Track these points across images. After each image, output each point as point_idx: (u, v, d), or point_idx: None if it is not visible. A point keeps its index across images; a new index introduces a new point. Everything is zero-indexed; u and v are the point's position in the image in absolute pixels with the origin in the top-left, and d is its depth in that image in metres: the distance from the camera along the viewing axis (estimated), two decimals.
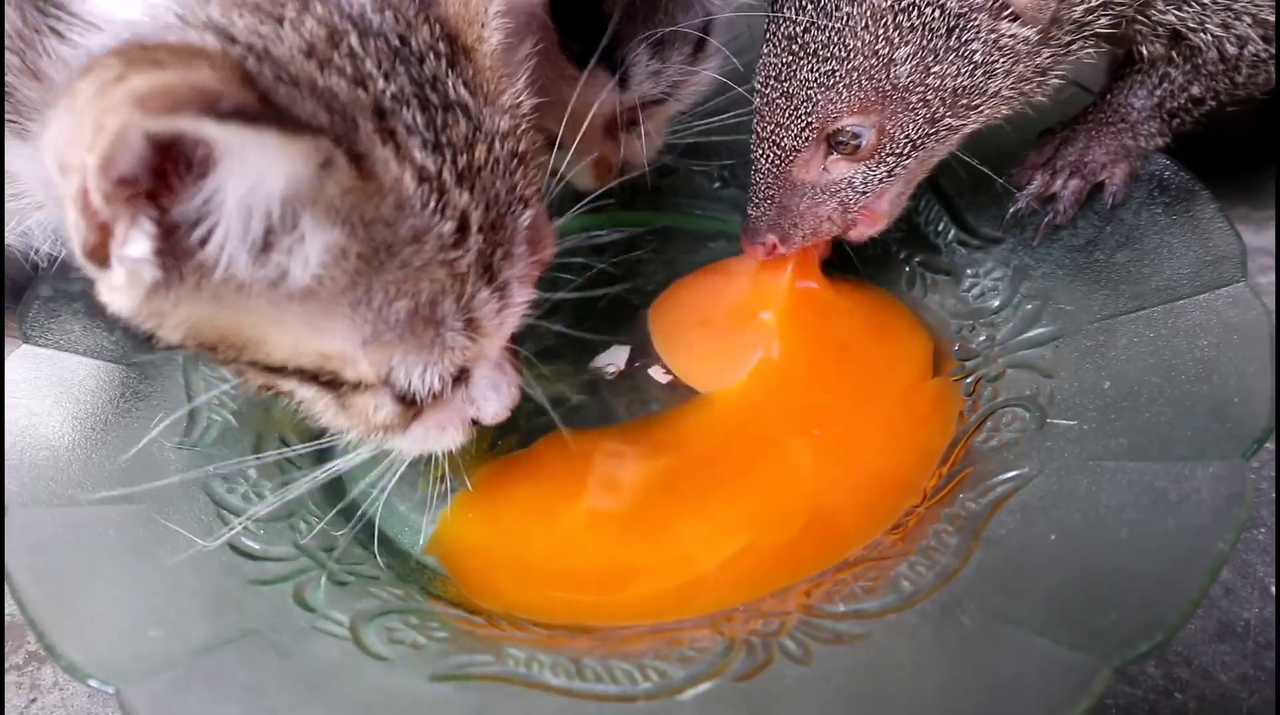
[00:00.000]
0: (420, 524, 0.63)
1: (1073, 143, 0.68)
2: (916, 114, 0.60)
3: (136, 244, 0.43)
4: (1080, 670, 0.44)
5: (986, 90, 0.59)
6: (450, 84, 0.50)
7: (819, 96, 0.60)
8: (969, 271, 0.72)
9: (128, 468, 0.60)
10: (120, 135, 0.38)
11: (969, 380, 0.65)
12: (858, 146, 0.61)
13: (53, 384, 0.63)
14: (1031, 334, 0.65)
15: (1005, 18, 0.58)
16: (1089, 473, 0.55)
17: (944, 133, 0.61)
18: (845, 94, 0.59)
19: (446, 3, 0.52)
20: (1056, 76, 0.63)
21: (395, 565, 0.60)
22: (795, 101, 0.60)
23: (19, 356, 0.63)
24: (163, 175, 0.42)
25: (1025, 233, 0.70)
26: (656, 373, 0.71)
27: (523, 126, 0.53)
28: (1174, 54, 0.65)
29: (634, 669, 0.51)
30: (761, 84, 0.62)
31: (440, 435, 0.57)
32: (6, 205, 0.56)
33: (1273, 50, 0.63)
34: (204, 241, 0.44)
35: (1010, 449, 0.59)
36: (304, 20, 0.47)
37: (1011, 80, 0.60)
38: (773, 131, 0.62)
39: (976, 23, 0.57)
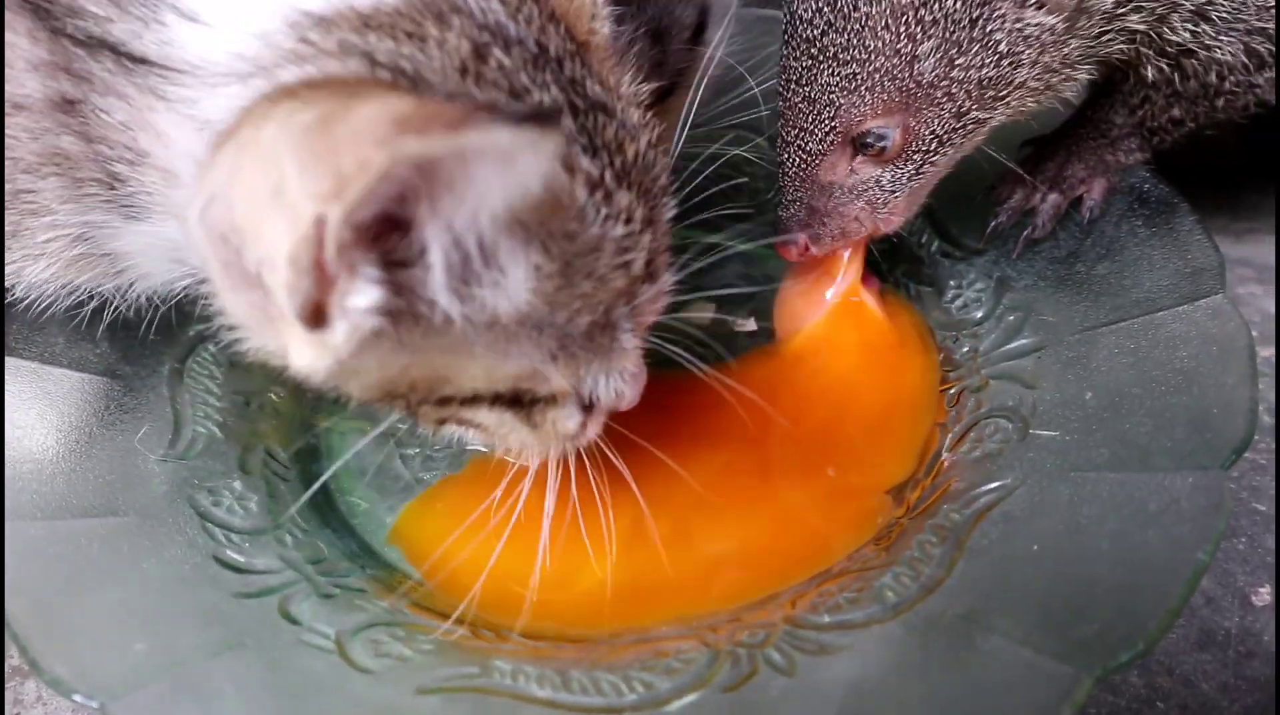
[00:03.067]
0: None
1: (1052, 157, 0.69)
2: (942, 109, 0.59)
3: (364, 294, 0.40)
4: (1062, 680, 0.44)
5: (1013, 81, 0.59)
6: (589, 85, 0.48)
7: (841, 100, 0.59)
8: (952, 283, 0.72)
9: (112, 481, 0.60)
10: (387, 171, 0.35)
11: (952, 392, 0.66)
12: (884, 148, 0.60)
13: (37, 397, 0.63)
14: (1014, 345, 0.66)
15: (1030, 6, 0.57)
16: (1071, 483, 0.55)
17: (971, 126, 0.60)
18: (868, 97, 0.58)
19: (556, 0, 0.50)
20: (1085, 72, 0.63)
21: (382, 577, 0.60)
22: (818, 106, 0.60)
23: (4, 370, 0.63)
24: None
25: (1008, 245, 0.71)
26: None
27: (649, 115, 0.53)
28: (1161, 77, 0.65)
29: (620, 681, 0.51)
30: (783, 88, 0.62)
31: (594, 430, 0.56)
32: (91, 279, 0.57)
33: (1252, 80, 0.64)
34: (422, 284, 0.42)
35: (993, 460, 0.59)
36: (447, 37, 0.45)
37: (1038, 71, 0.59)
38: (797, 135, 0.61)
39: (1001, 11, 0.56)
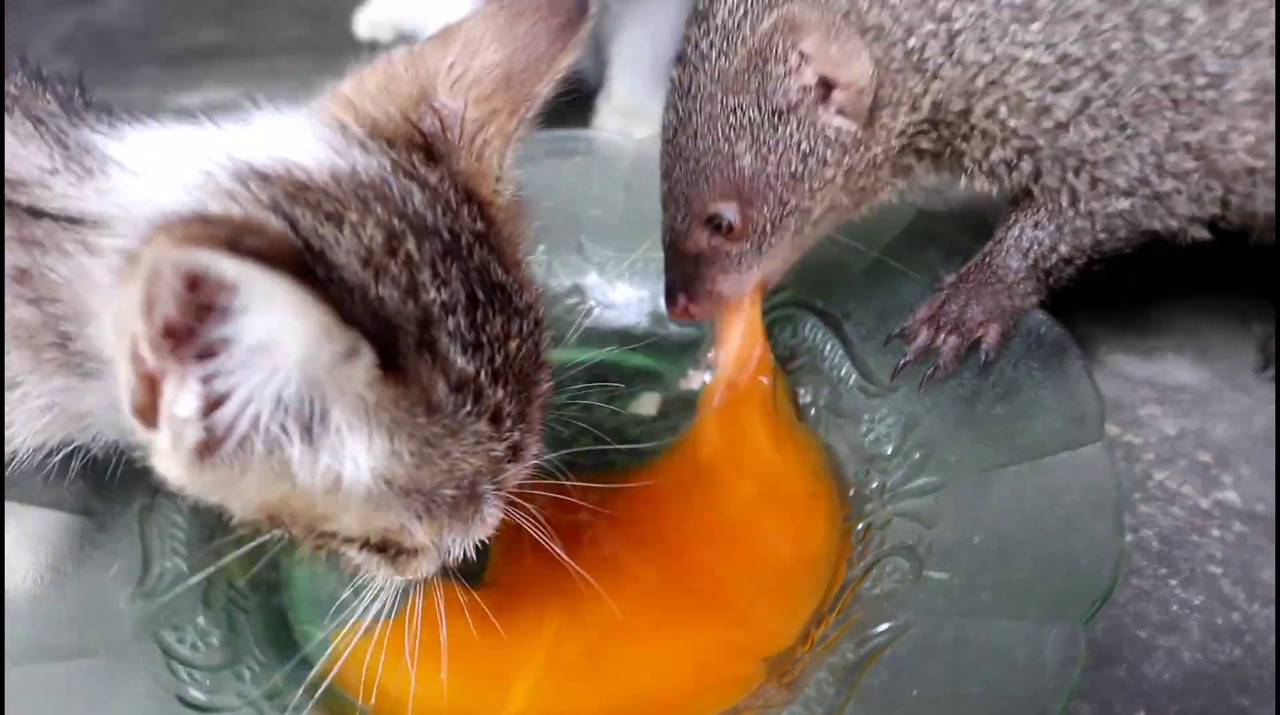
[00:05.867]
0: None
1: (955, 299, 0.75)
2: (767, 198, 0.70)
3: (185, 403, 0.45)
4: None
5: (823, 177, 0.70)
6: (492, 269, 0.54)
7: (689, 190, 0.71)
8: (866, 416, 0.78)
9: (84, 620, 0.65)
10: (154, 270, 0.39)
11: (860, 526, 0.71)
12: (730, 228, 0.72)
13: (16, 539, 0.68)
14: (917, 483, 0.71)
15: (827, 111, 0.68)
16: (955, 627, 0.60)
17: (798, 214, 0.71)
18: (707, 187, 0.71)
19: (457, 160, 0.57)
20: (892, 179, 0.73)
21: (335, 706, 0.65)
22: (676, 193, 0.73)
23: None
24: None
25: (917, 381, 0.76)
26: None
27: (539, 291, 0.58)
28: (1039, 214, 0.73)
29: None
30: (661, 176, 0.74)
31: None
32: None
33: (1110, 207, 0.71)
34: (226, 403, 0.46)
35: (890, 599, 0.64)
36: (365, 223, 0.49)
37: (845, 170, 0.70)
38: (669, 215, 0.74)
39: (799, 117, 0.68)
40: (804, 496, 0.73)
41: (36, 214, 0.54)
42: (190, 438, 0.46)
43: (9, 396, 0.58)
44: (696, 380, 0.83)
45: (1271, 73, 0.67)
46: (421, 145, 0.57)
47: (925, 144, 0.71)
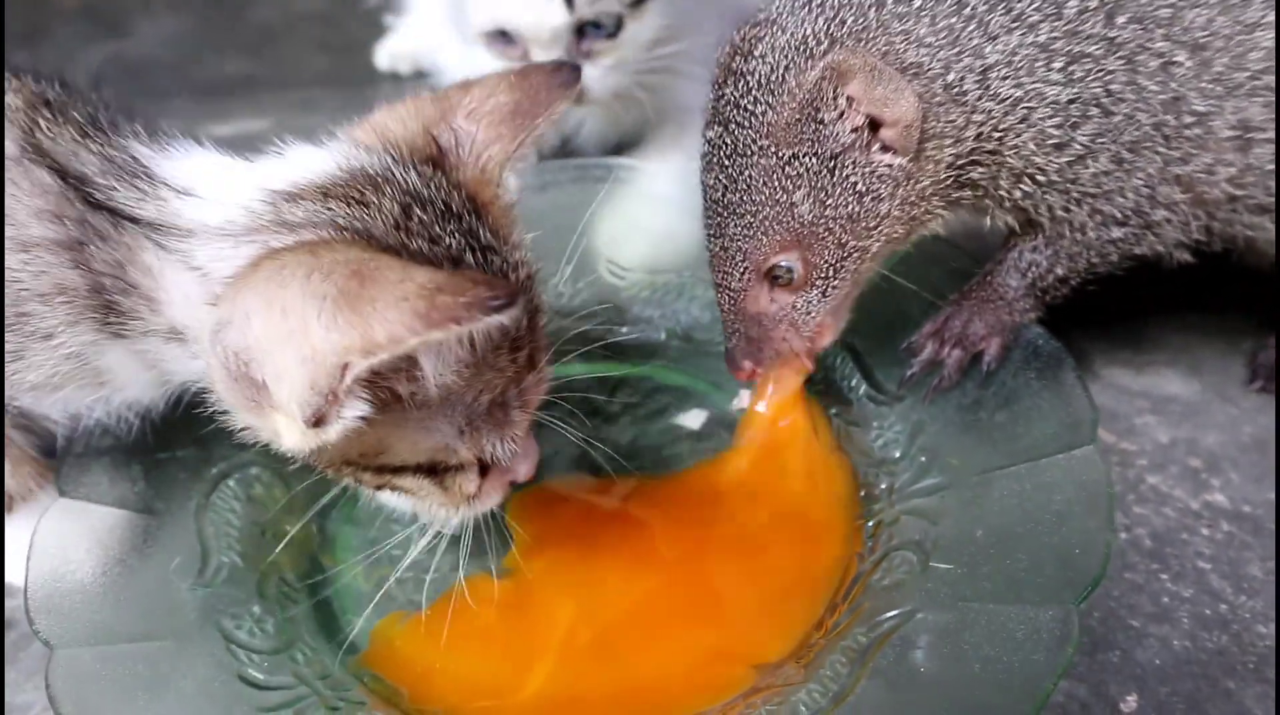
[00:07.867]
0: None
1: (958, 316, 0.80)
2: (827, 242, 0.72)
3: (355, 407, 0.56)
4: None
5: (878, 213, 0.72)
6: (482, 233, 0.64)
7: (747, 245, 0.73)
8: (875, 424, 0.83)
9: (151, 608, 0.70)
10: (413, 350, 0.53)
11: (870, 523, 0.76)
12: (791, 278, 0.74)
13: (84, 534, 0.72)
14: (923, 484, 0.77)
15: (875, 149, 0.70)
16: (958, 612, 0.65)
17: (857, 253, 0.73)
18: (765, 239, 0.72)
19: (465, 170, 0.68)
20: (942, 209, 0.75)
21: (380, 690, 0.70)
22: (731, 251, 0.74)
23: (56, 509, 0.73)
24: None
25: (923, 391, 0.82)
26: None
27: (530, 258, 0.68)
28: (1038, 239, 0.78)
29: None
30: (707, 240, 0.76)
31: (495, 496, 0.71)
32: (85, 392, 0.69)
33: (1107, 235, 0.76)
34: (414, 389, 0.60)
35: (899, 588, 0.70)
36: (383, 201, 0.61)
37: (898, 203, 0.72)
38: (724, 277, 0.75)
39: (852, 158, 0.70)
40: (818, 527, 0.77)
41: (95, 206, 0.63)
42: (351, 425, 0.57)
43: (44, 346, 0.65)
44: (744, 400, 0.86)
45: (1249, 112, 0.72)
46: (431, 156, 0.67)
47: (975, 174, 0.74)
